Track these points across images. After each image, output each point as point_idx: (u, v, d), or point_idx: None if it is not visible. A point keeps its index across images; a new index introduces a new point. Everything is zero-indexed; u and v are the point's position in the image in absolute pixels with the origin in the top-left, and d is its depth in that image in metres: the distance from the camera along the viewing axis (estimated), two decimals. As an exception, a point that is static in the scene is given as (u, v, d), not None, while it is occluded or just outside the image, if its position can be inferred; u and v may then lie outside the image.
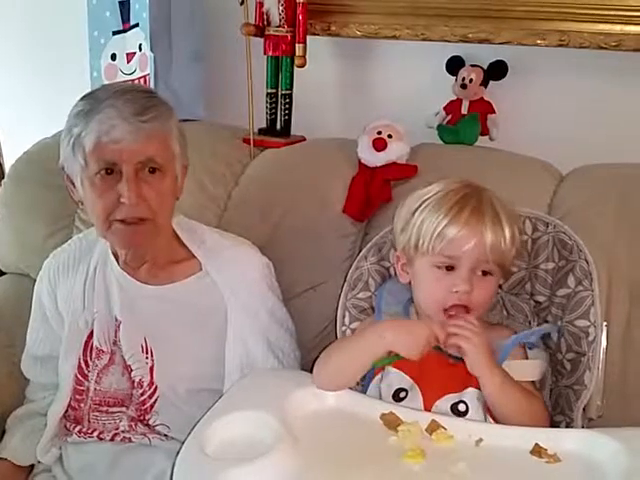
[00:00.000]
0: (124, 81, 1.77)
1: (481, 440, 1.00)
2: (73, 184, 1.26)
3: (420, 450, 0.97)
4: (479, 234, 1.07)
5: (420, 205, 1.12)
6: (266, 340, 1.30)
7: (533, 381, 1.12)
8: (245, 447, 0.98)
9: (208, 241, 1.33)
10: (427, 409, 1.07)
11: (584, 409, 1.12)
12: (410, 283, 1.16)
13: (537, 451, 0.98)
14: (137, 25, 1.73)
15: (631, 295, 1.29)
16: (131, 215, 1.21)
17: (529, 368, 1.11)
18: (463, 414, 1.06)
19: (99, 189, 1.21)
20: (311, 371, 1.13)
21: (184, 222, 1.36)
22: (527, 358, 1.12)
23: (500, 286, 1.21)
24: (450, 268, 1.08)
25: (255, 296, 1.31)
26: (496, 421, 1.06)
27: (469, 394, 1.06)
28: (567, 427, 1.12)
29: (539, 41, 1.55)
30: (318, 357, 1.13)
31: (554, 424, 1.13)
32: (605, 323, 1.14)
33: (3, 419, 1.44)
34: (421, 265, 1.11)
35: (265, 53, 1.70)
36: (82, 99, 1.24)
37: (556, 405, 1.15)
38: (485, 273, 1.09)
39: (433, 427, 1.02)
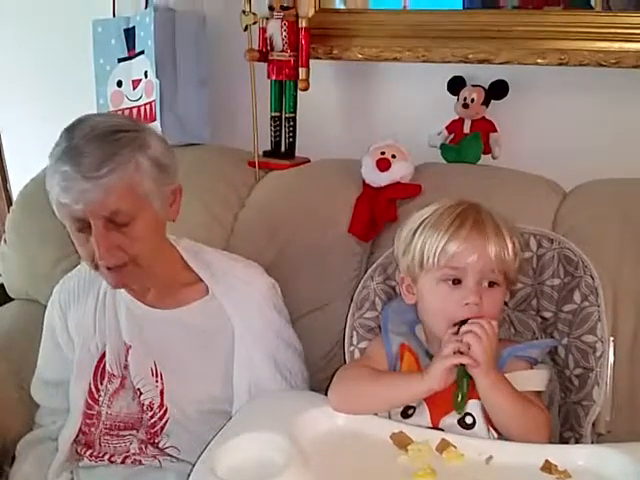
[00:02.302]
0: (123, 109, 1.79)
1: (491, 458, 1.00)
2: None
3: (430, 469, 0.97)
4: (482, 245, 1.08)
5: (419, 225, 1.13)
6: (273, 361, 1.30)
7: (538, 392, 1.11)
8: (256, 469, 0.98)
9: (214, 264, 1.34)
10: (435, 425, 1.07)
11: (593, 425, 1.12)
12: (416, 304, 1.17)
13: (547, 467, 0.98)
14: (142, 52, 1.76)
15: (637, 309, 1.29)
16: (109, 264, 1.20)
17: (532, 378, 1.11)
18: (471, 426, 1.06)
19: (77, 241, 1.21)
20: (320, 391, 1.14)
21: (190, 245, 1.36)
22: (532, 369, 1.12)
23: (506, 303, 1.21)
24: (457, 282, 1.09)
25: (261, 317, 1.31)
26: (498, 432, 1.06)
27: (473, 406, 1.06)
28: (577, 443, 1.12)
29: (539, 60, 1.56)
30: (332, 378, 1.13)
31: (563, 440, 1.13)
32: (612, 338, 1.14)
33: (13, 444, 1.44)
34: (427, 282, 1.12)
35: (269, 77, 1.72)
36: (60, 139, 1.20)
37: (565, 421, 1.15)
38: (492, 284, 1.10)
39: (443, 446, 1.02)
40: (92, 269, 1.25)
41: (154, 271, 1.27)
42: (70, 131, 1.20)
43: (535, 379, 1.12)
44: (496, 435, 1.06)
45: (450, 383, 1.04)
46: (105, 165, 1.15)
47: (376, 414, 1.10)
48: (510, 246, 1.11)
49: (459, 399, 1.03)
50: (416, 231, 1.13)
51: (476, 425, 1.06)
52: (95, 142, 1.17)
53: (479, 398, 1.05)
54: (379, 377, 1.12)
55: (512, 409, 1.03)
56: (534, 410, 1.05)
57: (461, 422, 1.06)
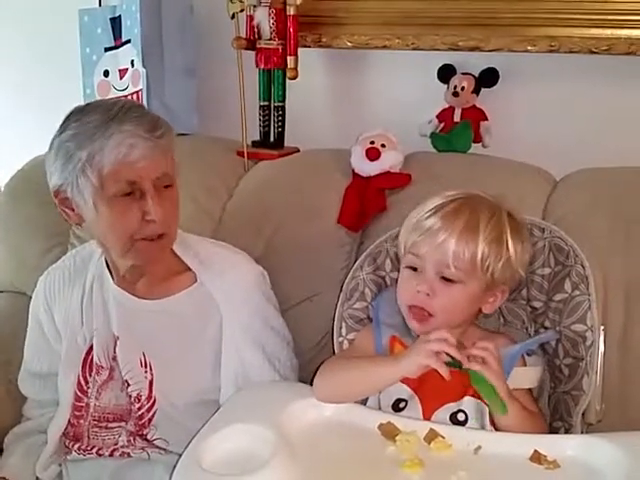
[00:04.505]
0: (112, 98, 1.77)
1: (479, 448, 0.99)
2: (70, 208, 1.24)
3: (418, 460, 0.97)
4: (442, 237, 1.06)
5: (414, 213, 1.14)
6: (262, 349, 1.29)
7: (530, 388, 1.11)
8: (242, 461, 0.97)
9: (202, 252, 1.33)
10: (427, 419, 1.06)
11: (583, 414, 1.11)
12: None
13: (536, 457, 0.97)
14: (129, 41, 1.74)
15: (627, 298, 1.28)
16: (156, 232, 1.21)
17: (528, 375, 1.11)
18: (462, 423, 1.05)
19: (119, 210, 1.19)
20: (309, 382, 1.13)
21: (177, 234, 1.35)
22: (525, 365, 1.12)
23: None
24: (417, 269, 1.09)
25: (249, 304, 1.30)
26: (496, 428, 1.05)
27: (467, 403, 1.06)
28: (566, 433, 1.11)
29: (529, 47, 1.55)
30: (318, 369, 1.13)
31: (553, 430, 1.12)
32: (602, 327, 1.13)
33: (1, 437, 1.43)
34: (402, 264, 1.15)
35: (257, 66, 1.71)
36: (73, 121, 1.19)
37: (555, 411, 1.14)
38: (448, 280, 1.07)
39: (431, 436, 1.01)
40: (122, 251, 1.23)
41: (167, 252, 1.28)
42: (85, 110, 1.20)
43: (529, 376, 1.12)
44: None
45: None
46: (159, 127, 1.19)
47: (364, 404, 1.10)
48: (481, 252, 1.05)
49: (499, 402, 1.00)
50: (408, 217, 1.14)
51: (468, 422, 1.05)
52: (133, 110, 1.20)
53: (474, 396, 1.05)
54: (353, 364, 1.11)
55: (525, 427, 1.03)
56: (538, 420, 1.06)
57: (453, 418, 1.05)
